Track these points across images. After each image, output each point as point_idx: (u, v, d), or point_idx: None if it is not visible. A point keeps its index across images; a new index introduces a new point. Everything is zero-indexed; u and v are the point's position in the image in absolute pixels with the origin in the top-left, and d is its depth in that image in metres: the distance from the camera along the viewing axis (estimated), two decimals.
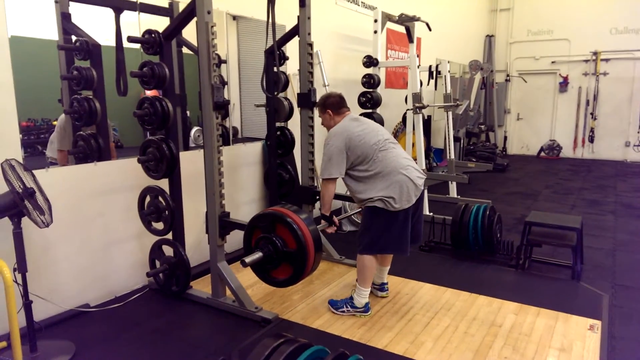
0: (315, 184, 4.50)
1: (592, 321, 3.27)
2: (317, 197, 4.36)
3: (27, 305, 2.76)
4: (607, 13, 11.10)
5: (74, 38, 3.52)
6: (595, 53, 11.29)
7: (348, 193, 3.57)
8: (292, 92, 5.02)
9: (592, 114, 11.53)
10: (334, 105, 3.46)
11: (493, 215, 4.53)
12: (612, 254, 4.73)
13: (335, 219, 3.46)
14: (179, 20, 3.37)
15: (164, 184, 3.52)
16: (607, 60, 11.24)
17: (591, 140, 11.63)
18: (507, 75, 12.47)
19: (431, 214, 5.54)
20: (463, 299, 3.65)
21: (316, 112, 4.23)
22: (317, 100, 3.59)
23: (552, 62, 11.88)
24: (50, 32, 3.48)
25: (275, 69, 4.24)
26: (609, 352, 2.92)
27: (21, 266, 2.69)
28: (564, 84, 11.77)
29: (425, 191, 5.95)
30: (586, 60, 11.47)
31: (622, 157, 11.36)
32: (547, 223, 4.29)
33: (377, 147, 3.24)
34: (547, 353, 2.90)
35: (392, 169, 3.19)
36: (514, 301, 3.58)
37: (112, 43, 3.78)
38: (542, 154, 12.07)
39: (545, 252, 4.49)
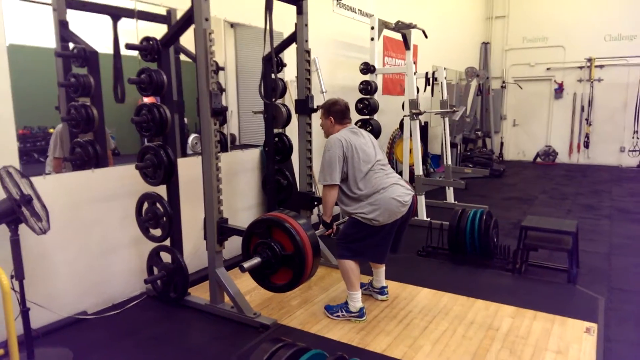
0: (313, 190, 4.51)
1: (588, 324, 3.28)
2: (315, 203, 4.38)
3: (25, 313, 2.75)
4: (601, 20, 11.20)
5: (71, 45, 3.53)
6: (589, 60, 11.37)
7: None
8: (290, 98, 5.04)
9: (587, 119, 11.60)
10: (338, 114, 3.49)
11: (490, 220, 4.55)
12: (608, 257, 4.75)
13: (335, 225, 3.50)
14: (177, 28, 3.39)
15: (161, 190, 3.52)
16: (601, 66, 11.33)
17: (586, 145, 11.69)
18: (503, 82, 12.56)
19: (428, 219, 5.55)
20: (461, 303, 3.66)
21: (314, 118, 4.27)
22: (323, 103, 3.61)
23: (547, 69, 11.97)
24: (48, 39, 3.50)
25: (273, 75, 4.26)
26: (605, 354, 2.93)
27: (18, 273, 2.68)
28: (559, 90, 11.85)
29: (423, 197, 6.02)
30: (581, 67, 11.56)
31: (617, 163, 11.42)
32: (543, 227, 4.31)
33: (369, 167, 3.31)
34: (544, 356, 2.90)
35: (377, 189, 3.26)
36: (511, 305, 3.59)
37: (110, 50, 3.79)
38: (538, 159, 12.13)
39: (542, 256, 4.50)
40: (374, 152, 3.40)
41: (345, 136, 3.34)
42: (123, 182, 3.72)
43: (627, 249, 5.05)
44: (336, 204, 3.45)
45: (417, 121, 6.08)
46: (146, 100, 3.94)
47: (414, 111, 5.96)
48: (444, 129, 7.07)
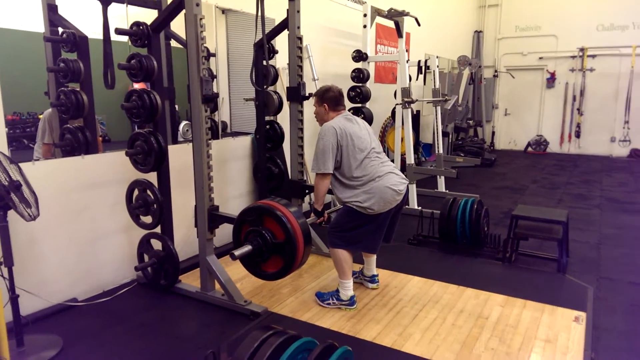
0: (305, 178, 4.50)
1: (577, 313, 3.31)
2: (307, 191, 4.37)
3: (14, 300, 2.74)
4: (593, 10, 11.21)
5: (60, 30, 3.48)
6: (581, 49, 11.40)
7: None
8: (282, 85, 5.01)
9: (578, 109, 11.65)
10: (333, 100, 3.46)
11: (480, 209, 4.57)
12: (597, 247, 4.80)
13: (326, 213, 3.49)
14: (168, 13, 3.35)
15: (152, 177, 3.50)
16: (593, 56, 11.36)
17: (577, 135, 11.76)
18: (495, 71, 12.56)
19: (419, 207, 5.58)
20: (451, 291, 3.69)
21: (306, 105, 4.24)
22: (316, 90, 3.59)
23: (540, 58, 11.98)
24: (37, 24, 3.44)
25: (264, 62, 4.23)
26: (593, 342, 2.96)
27: (7, 260, 2.66)
28: (551, 80, 11.88)
29: (414, 185, 6.03)
30: (573, 57, 11.58)
31: (608, 152, 11.50)
32: (533, 217, 4.34)
33: (364, 155, 3.29)
34: (533, 344, 2.93)
35: (373, 177, 3.25)
36: (500, 293, 3.62)
37: (100, 35, 3.74)
38: (530, 149, 12.19)
39: (532, 246, 4.53)
40: (369, 140, 3.38)
41: (339, 124, 3.32)
42: (113, 169, 3.69)
43: (617, 238, 5.10)
44: (329, 192, 3.44)
45: (409, 110, 6.07)
46: (136, 86, 3.89)
47: (406, 99, 5.95)
48: (436, 118, 7.07)
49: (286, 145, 4.65)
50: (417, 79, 7.50)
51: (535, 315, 3.30)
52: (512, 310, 3.38)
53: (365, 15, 6.12)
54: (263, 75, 4.36)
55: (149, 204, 3.46)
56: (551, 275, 4.05)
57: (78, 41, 3.47)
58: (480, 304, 3.47)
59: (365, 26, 6.13)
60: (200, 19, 3.12)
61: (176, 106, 4.48)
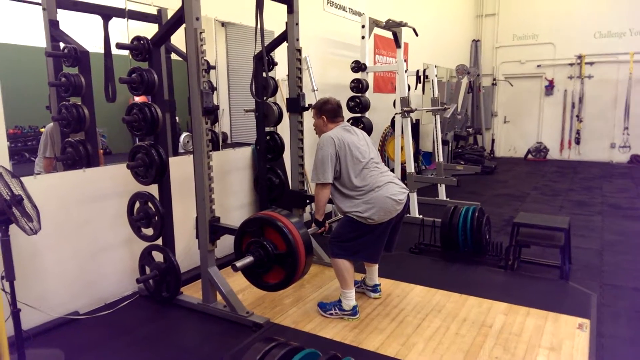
0: (306, 188, 4.51)
1: (581, 320, 3.30)
2: (307, 201, 4.38)
3: (15, 314, 2.73)
4: (591, 17, 11.27)
5: (62, 45, 3.51)
6: (579, 57, 11.44)
7: None
8: (281, 97, 5.03)
9: (577, 116, 11.67)
10: (331, 112, 3.49)
11: (482, 217, 4.56)
12: (600, 253, 4.79)
13: (327, 223, 3.50)
14: (168, 27, 3.37)
15: (153, 189, 3.50)
16: (591, 63, 11.40)
17: (577, 142, 11.77)
18: (494, 79, 12.61)
19: (421, 216, 5.57)
20: (453, 300, 3.68)
21: (306, 116, 4.26)
22: (315, 103, 3.61)
23: (538, 66, 12.02)
24: (38, 39, 3.47)
25: (264, 74, 4.25)
26: (597, 350, 2.95)
27: (9, 274, 2.66)
28: (549, 87, 11.92)
29: (415, 194, 6.03)
30: (571, 64, 11.63)
31: (608, 159, 11.50)
32: (535, 224, 4.33)
33: (363, 165, 3.30)
34: (537, 352, 2.92)
35: (372, 187, 3.25)
36: (503, 301, 3.60)
37: (101, 50, 3.77)
38: (530, 156, 12.19)
39: (534, 253, 4.52)
40: (368, 150, 3.40)
41: (337, 134, 3.34)
42: (115, 181, 3.70)
43: (619, 245, 5.08)
44: (330, 202, 3.44)
45: (409, 119, 6.09)
46: (137, 99, 3.92)
47: (405, 109, 5.97)
48: (435, 127, 7.09)
49: (286, 156, 4.66)
50: (415, 88, 7.53)
51: (539, 323, 3.29)
52: (516, 318, 3.36)
53: (363, 26, 6.16)
54: (263, 86, 4.38)
55: (150, 216, 3.47)
56: (554, 282, 4.04)
57: (79, 56, 3.50)
58: (484, 312, 3.46)
59: (363, 37, 6.17)
60: (200, 32, 3.14)
61: (177, 118, 4.50)
